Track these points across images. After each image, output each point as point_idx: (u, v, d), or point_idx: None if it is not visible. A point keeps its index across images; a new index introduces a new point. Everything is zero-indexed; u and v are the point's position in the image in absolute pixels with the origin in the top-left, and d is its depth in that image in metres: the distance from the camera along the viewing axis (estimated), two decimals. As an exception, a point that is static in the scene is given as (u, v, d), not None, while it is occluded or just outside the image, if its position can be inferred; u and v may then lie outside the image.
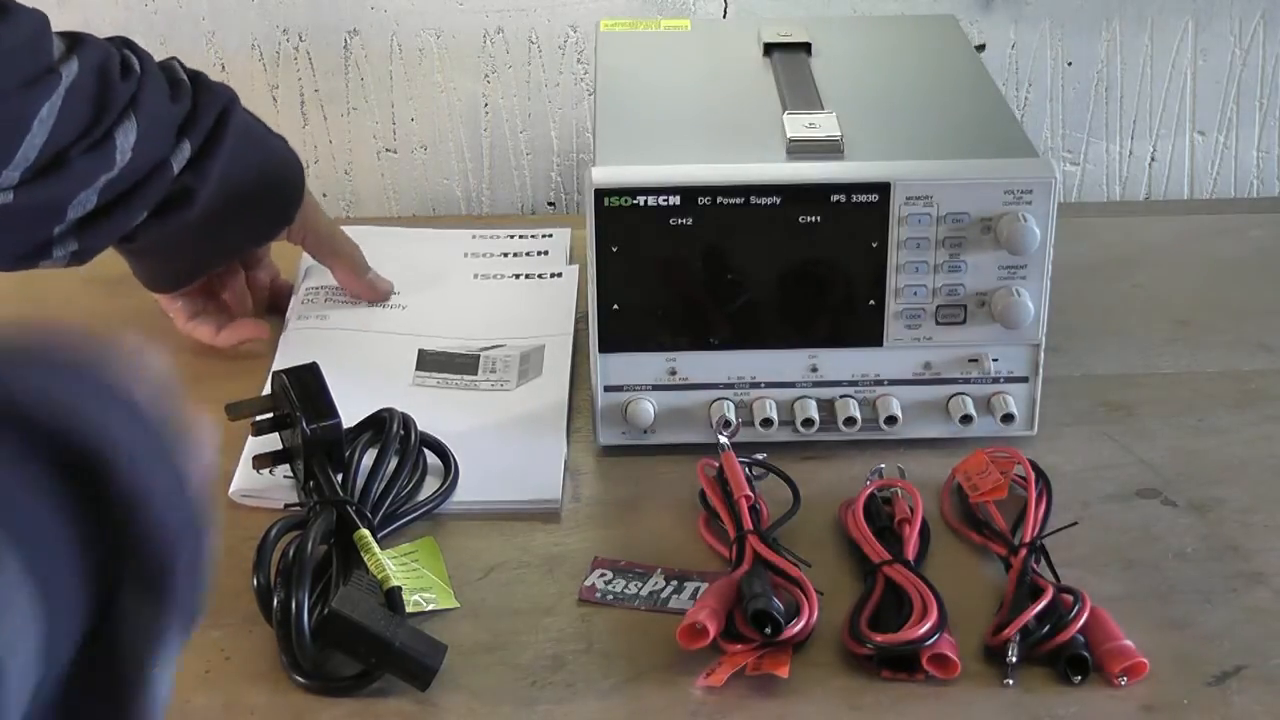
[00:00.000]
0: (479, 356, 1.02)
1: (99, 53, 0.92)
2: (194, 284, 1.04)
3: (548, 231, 1.18)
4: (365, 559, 0.79)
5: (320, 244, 1.07)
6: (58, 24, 1.28)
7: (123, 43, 0.96)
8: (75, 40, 0.92)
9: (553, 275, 1.12)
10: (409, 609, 0.78)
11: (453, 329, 1.05)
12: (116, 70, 0.92)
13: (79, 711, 0.44)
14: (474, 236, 1.18)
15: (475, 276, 1.12)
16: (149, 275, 1.04)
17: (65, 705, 0.44)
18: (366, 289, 1.08)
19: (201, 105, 0.96)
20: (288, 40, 1.29)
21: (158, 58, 1.29)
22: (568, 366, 1.02)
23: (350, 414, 0.88)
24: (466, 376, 1.01)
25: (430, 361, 1.02)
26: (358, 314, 1.07)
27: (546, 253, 1.15)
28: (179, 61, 0.99)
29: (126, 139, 0.90)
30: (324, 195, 1.34)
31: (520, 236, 1.17)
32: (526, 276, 1.12)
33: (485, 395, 0.99)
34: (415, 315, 1.07)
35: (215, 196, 0.96)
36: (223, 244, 1.02)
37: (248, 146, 0.99)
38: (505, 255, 1.14)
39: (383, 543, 0.82)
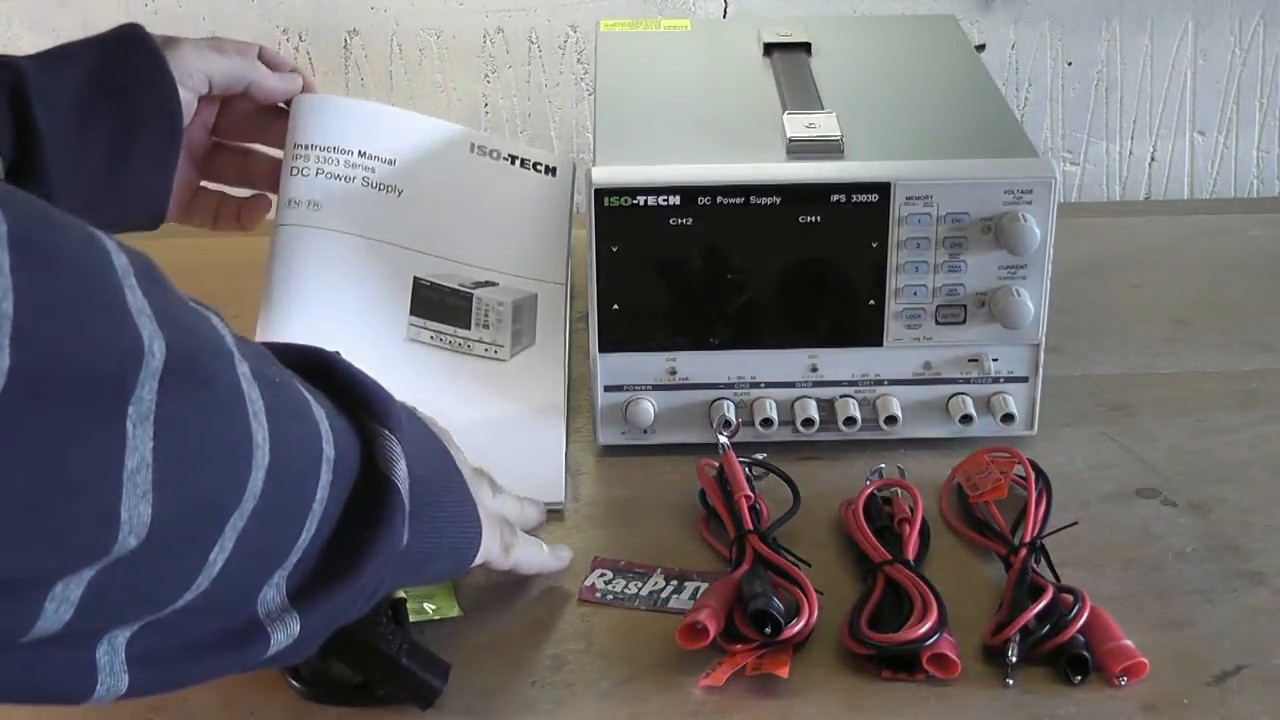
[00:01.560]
0: (472, 298, 1.01)
1: None
2: (172, 214, 0.96)
3: (550, 165, 1.10)
4: None
5: (230, 86, 0.97)
6: (58, 24, 1.28)
7: None
8: None
9: (547, 170, 1.09)
10: (412, 617, 0.78)
11: (447, 247, 1.02)
12: None
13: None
14: (471, 148, 1.09)
15: (472, 148, 1.06)
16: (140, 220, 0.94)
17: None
18: (291, 87, 1.00)
19: None
20: (288, 40, 1.29)
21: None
22: (561, 339, 1.01)
23: None
24: (460, 331, 0.99)
25: (424, 300, 1.00)
26: (350, 195, 1.00)
27: (554, 171, 1.10)
28: None
29: None
30: (324, 195, 1.34)
31: (522, 164, 1.10)
32: (522, 163, 1.08)
33: (480, 365, 0.98)
34: (410, 206, 1.02)
35: (81, 175, 0.87)
36: (139, 183, 0.92)
37: (76, 89, 0.88)
38: (511, 161, 1.08)
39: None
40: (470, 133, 1.08)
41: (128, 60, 0.91)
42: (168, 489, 0.50)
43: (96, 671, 0.54)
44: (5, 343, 0.44)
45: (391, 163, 1.03)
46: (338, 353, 0.68)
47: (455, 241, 1.03)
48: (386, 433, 0.64)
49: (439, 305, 1.00)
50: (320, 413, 0.61)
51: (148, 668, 0.56)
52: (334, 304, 0.94)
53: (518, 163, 1.08)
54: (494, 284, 1.02)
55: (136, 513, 0.49)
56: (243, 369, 0.55)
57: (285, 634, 0.60)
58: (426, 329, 0.99)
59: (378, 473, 0.63)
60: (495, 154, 1.08)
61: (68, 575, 0.49)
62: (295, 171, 1.00)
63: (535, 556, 0.81)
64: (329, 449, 0.60)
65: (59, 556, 0.48)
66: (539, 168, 1.08)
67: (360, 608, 0.65)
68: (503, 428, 0.96)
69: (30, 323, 0.44)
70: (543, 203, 1.07)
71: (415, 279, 1.01)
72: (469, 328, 1.00)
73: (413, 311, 0.99)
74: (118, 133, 0.90)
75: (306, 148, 1.00)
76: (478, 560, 0.75)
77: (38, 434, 0.46)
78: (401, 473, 0.64)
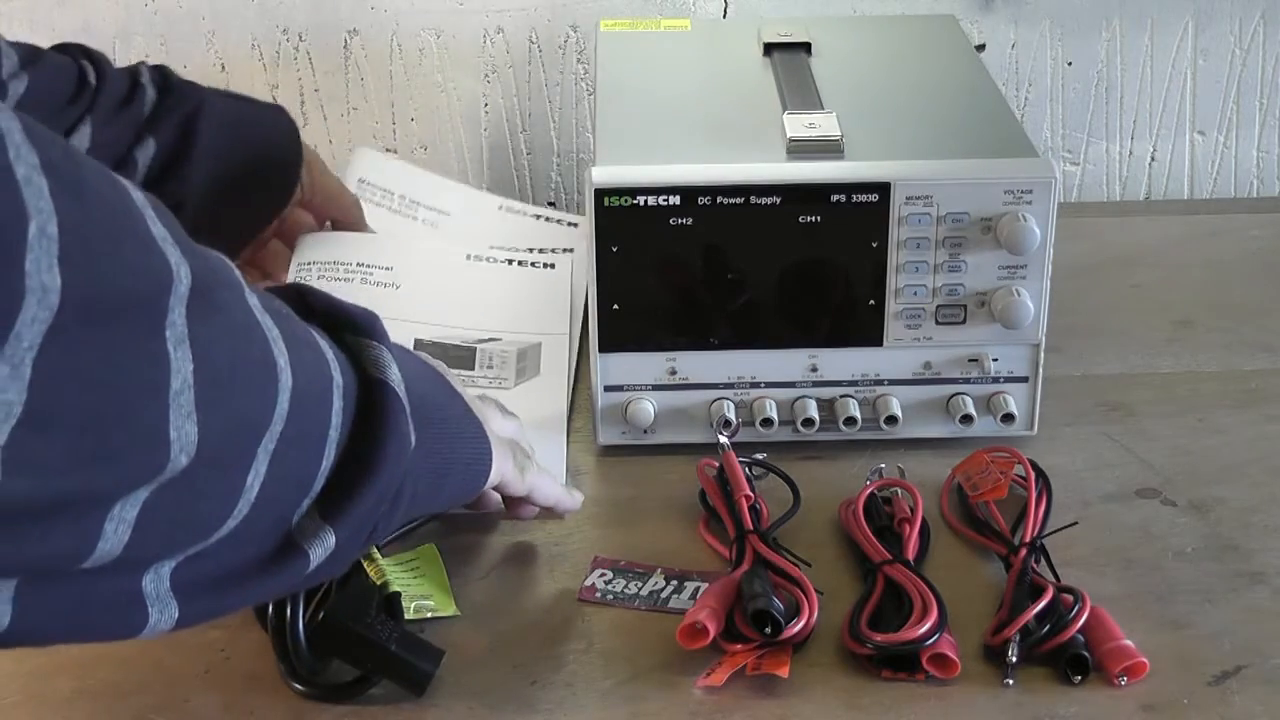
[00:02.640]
0: (475, 350, 1.02)
1: (52, 69, 0.91)
2: None
3: (549, 261, 1.16)
4: (365, 565, 0.79)
5: (328, 203, 1.07)
6: (57, 24, 1.28)
7: (81, 51, 0.95)
8: (32, 55, 0.91)
9: (546, 265, 1.11)
10: (410, 615, 0.78)
11: (447, 315, 1.05)
12: (71, 86, 0.92)
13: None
14: (500, 208, 1.17)
15: (468, 258, 1.11)
16: None
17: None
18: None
19: (166, 107, 0.96)
20: (288, 40, 1.29)
21: (158, 58, 1.30)
22: (565, 368, 1.02)
23: None
24: (464, 371, 1.00)
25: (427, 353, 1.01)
26: (351, 292, 1.05)
27: (553, 265, 1.13)
28: (146, 65, 0.98)
29: (79, 144, 0.91)
30: (324, 195, 1.34)
31: (520, 264, 1.15)
32: (520, 264, 1.11)
33: (483, 392, 0.99)
34: (409, 297, 1.06)
35: (206, 196, 0.96)
36: (224, 236, 1.00)
37: (230, 138, 0.99)
38: (509, 263, 1.13)
39: (386, 549, 0.82)
40: (468, 245, 1.12)
41: (287, 151, 1.04)
42: (208, 409, 0.52)
43: (145, 602, 0.55)
44: (54, 264, 0.45)
45: (389, 269, 1.08)
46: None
47: (456, 315, 1.06)
48: (374, 343, 0.66)
49: (441, 357, 1.01)
50: (322, 342, 0.63)
51: (194, 596, 0.57)
52: None
53: (515, 264, 1.12)
54: (497, 339, 1.03)
55: (184, 432, 0.51)
56: (252, 300, 0.57)
57: (322, 548, 0.62)
58: None
59: (372, 379, 0.64)
60: (492, 260, 1.12)
61: (124, 495, 0.51)
62: (298, 279, 1.05)
63: (551, 487, 0.83)
64: (337, 376, 0.62)
65: (116, 475, 0.50)
66: (536, 265, 1.11)
67: (387, 516, 0.65)
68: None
69: (73, 246, 0.46)
70: (543, 287, 1.10)
71: (416, 339, 1.03)
72: (473, 369, 1.01)
73: None
74: (233, 199, 0.99)
75: (309, 264, 1.06)
76: (492, 480, 0.77)
77: (91, 354, 0.47)
78: (395, 375, 0.65)
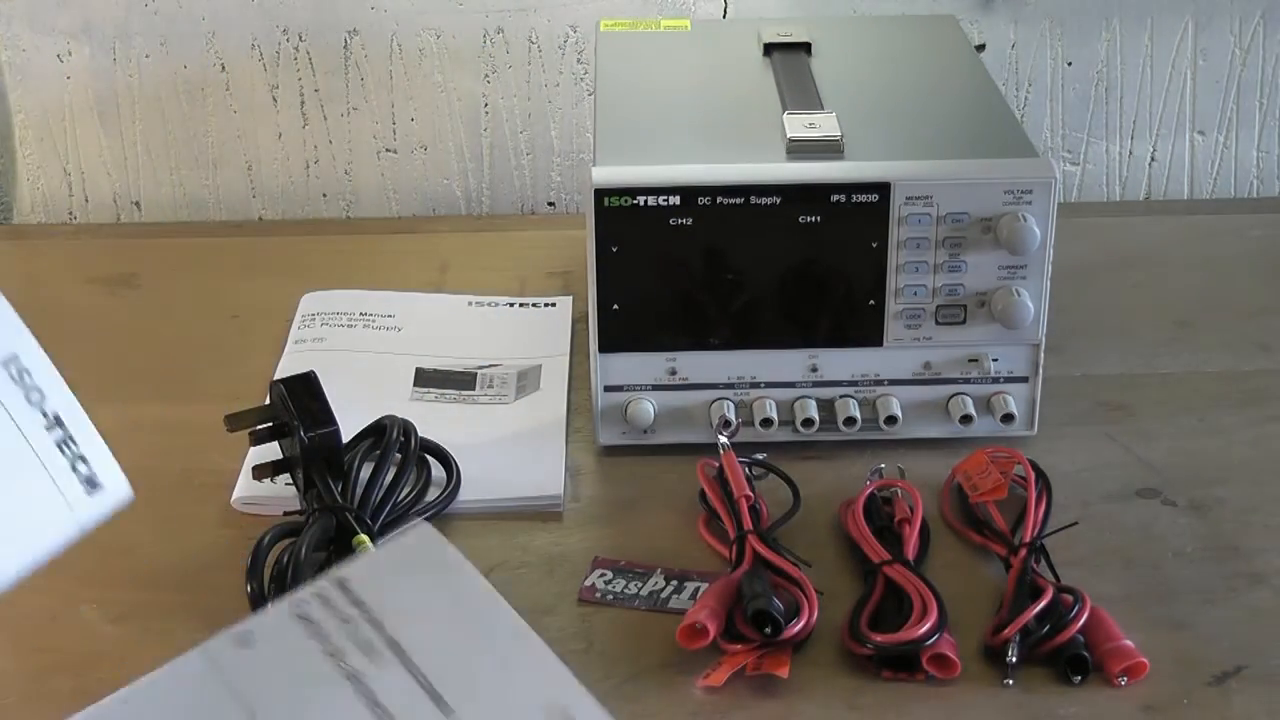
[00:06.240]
0: (475, 374, 1.02)
1: None
2: None
3: (550, 300, 1.13)
4: None
5: None
6: (57, 24, 1.28)
7: None
8: None
9: (547, 305, 1.11)
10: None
11: (450, 349, 1.05)
12: None
13: None
14: (470, 304, 1.13)
15: (470, 304, 1.12)
16: None
17: None
18: None
19: None
20: (288, 40, 1.29)
21: (157, 58, 1.30)
22: (565, 382, 1.02)
23: (349, 426, 0.88)
24: (465, 391, 1.01)
25: (428, 378, 1.02)
26: (354, 335, 1.07)
27: (554, 304, 1.13)
28: None
29: None
30: (324, 195, 1.34)
31: (522, 305, 1.13)
32: (521, 305, 1.12)
33: (484, 408, 0.99)
34: (411, 337, 1.07)
35: None
36: None
37: None
38: (510, 305, 1.12)
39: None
40: (469, 295, 1.13)
41: None
42: None
43: None
44: None
45: (391, 316, 1.10)
46: None
47: (458, 349, 1.06)
48: None
49: (443, 381, 1.02)
50: None
51: None
52: (334, 390, 0.91)
53: (516, 305, 1.12)
54: (498, 364, 1.04)
55: None
56: None
57: None
58: (430, 393, 1.01)
59: None
60: (493, 304, 1.12)
61: None
62: (303, 325, 1.08)
63: None
64: None
65: None
66: (539, 306, 1.12)
67: None
68: (503, 433, 0.96)
69: None
70: (545, 322, 1.10)
71: (417, 368, 1.03)
72: (474, 389, 1.01)
73: (416, 385, 1.02)
74: None
75: (313, 315, 1.09)
76: None
77: None
78: None
